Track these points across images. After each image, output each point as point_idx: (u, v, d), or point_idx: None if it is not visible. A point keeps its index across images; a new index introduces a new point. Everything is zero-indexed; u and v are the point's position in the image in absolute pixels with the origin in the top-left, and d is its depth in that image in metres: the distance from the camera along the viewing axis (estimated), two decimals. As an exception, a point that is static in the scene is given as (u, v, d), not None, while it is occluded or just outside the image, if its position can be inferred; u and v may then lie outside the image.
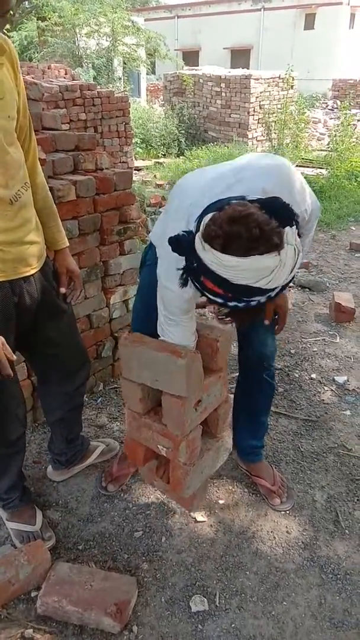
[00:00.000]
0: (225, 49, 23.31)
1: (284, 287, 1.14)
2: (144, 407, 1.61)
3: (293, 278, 1.14)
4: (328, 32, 20.73)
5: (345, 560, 1.70)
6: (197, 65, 16.97)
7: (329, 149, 7.80)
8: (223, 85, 9.99)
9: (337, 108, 14.22)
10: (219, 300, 1.13)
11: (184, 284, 1.22)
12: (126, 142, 7.45)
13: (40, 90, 2.53)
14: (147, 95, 17.46)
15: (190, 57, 22.91)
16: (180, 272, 1.21)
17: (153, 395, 1.61)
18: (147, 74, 17.81)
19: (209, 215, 1.10)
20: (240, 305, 1.12)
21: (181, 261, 1.19)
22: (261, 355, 1.79)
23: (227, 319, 1.22)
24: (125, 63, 13.16)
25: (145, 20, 18.38)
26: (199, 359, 1.47)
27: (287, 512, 1.89)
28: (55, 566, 1.57)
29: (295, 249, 1.09)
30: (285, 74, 10.00)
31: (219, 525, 1.82)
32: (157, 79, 19.08)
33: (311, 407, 2.48)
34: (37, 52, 12.48)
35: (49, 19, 12.14)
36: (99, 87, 7.21)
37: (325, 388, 2.65)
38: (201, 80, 10.55)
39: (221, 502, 1.92)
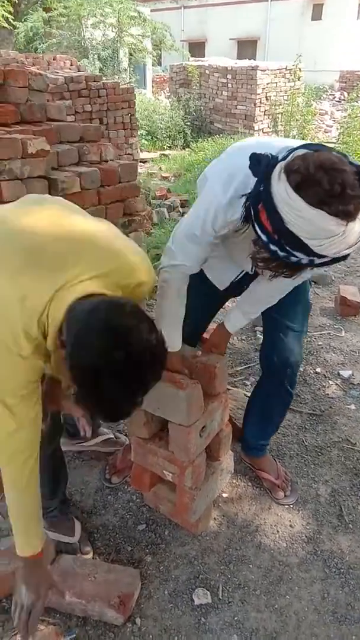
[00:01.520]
0: (231, 39, 23.08)
1: (330, 262, 1.08)
2: (149, 432, 1.65)
3: (345, 258, 1.07)
4: (336, 22, 20.47)
5: (349, 555, 1.70)
6: (204, 56, 16.84)
7: (339, 141, 7.73)
8: (229, 76, 9.91)
9: (344, 99, 14.09)
10: (263, 237, 1.08)
11: (245, 214, 1.16)
12: (131, 133, 7.40)
13: (45, 81, 2.52)
14: (152, 86, 17.34)
15: (197, 48, 22.73)
16: (242, 197, 1.16)
17: (157, 419, 1.64)
18: (153, 65, 17.68)
19: (303, 151, 1.04)
20: (280, 254, 1.07)
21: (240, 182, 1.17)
22: (286, 362, 1.71)
23: (261, 264, 1.15)
24: (131, 54, 13.06)
25: (151, 10, 18.20)
26: (199, 388, 1.51)
27: (291, 506, 1.88)
28: (59, 558, 1.57)
29: None
30: (293, 65, 9.90)
31: (223, 519, 1.82)
32: (163, 71, 18.94)
33: (316, 401, 2.47)
34: (43, 43, 12.40)
35: (55, 9, 12.06)
36: (104, 78, 7.16)
37: (330, 382, 2.64)
38: (207, 72, 10.47)
39: (225, 495, 1.92)
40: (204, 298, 1.70)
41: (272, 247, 1.07)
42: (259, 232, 1.09)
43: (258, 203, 1.07)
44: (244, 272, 1.63)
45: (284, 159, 1.05)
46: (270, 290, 1.57)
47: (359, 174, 1.00)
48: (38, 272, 1.05)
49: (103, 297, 1.03)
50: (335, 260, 1.08)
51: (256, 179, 1.09)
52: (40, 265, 1.05)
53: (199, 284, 1.60)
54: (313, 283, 3.70)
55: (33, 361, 1.09)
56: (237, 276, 1.67)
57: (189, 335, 1.60)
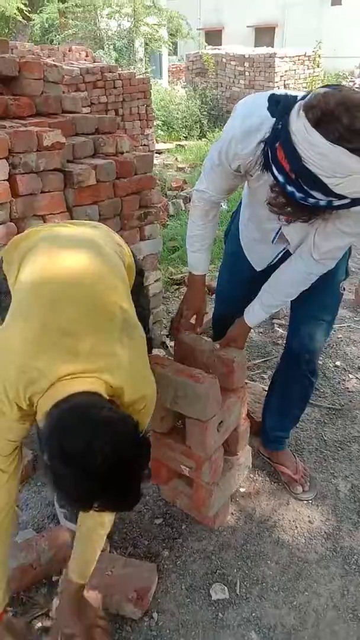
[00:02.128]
0: (249, 27, 22.73)
1: (349, 205, 1.06)
2: (166, 426, 1.64)
3: None
4: (356, 7, 20.01)
5: (369, 552, 1.67)
6: (221, 45, 16.62)
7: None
8: (247, 64, 9.77)
9: (364, 86, 13.79)
10: (280, 178, 1.06)
11: (263, 161, 1.13)
12: (147, 124, 7.36)
13: (61, 72, 2.50)
14: (169, 76, 17.21)
15: (214, 36, 22.45)
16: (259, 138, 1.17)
17: (173, 414, 1.63)
18: (169, 54, 17.54)
19: (323, 89, 1.02)
20: (297, 195, 1.05)
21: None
22: (305, 348, 1.70)
23: (278, 210, 1.14)
24: (146, 44, 12.97)
25: (167, -1, 18.04)
26: (216, 383, 1.49)
27: (310, 501, 1.86)
28: (76, 551, 1.57)
29: None
30: (313, 52, 9.71)
31: (240, 514, 1.81)
32: (179, 60, 18.77)
33: (335, 395, 2.44)
34: (58, 35, 12.39)
35: (70, 0, 12.01)
36: (120, 69, 7.12)
37: (350, 376, 2.59)
38: (224, 60, 10.33)
39: (242, 490, 1.90)
40: (240, 275, 1.75)
41: (289, 189, 1.05)
42: (276, 173, 1.06)
43: (275, 142, 1.05)
44: (282, 253, 1.60)
45: (302, 98, 1.04)
46: (291, 281, 1.53)
47: None
48: (51, 351, 1.05)
49: (77, 407, 0.99)
50: (354, 202, 1.05)
51: (272, 124, 1.09)
52: (56, 346, 1.05)
53: (237, 261, 1.67)
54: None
55: (12, 423, 1.08)
56: (275, 258, 1.64)
57: (222, 317, 1.59)
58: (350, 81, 15.47)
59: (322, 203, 1.05)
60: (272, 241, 1.55)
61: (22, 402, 1.05)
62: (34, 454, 2.03)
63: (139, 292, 1.51)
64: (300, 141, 0.98)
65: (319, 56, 9.89)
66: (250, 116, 1.24)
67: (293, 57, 9.57)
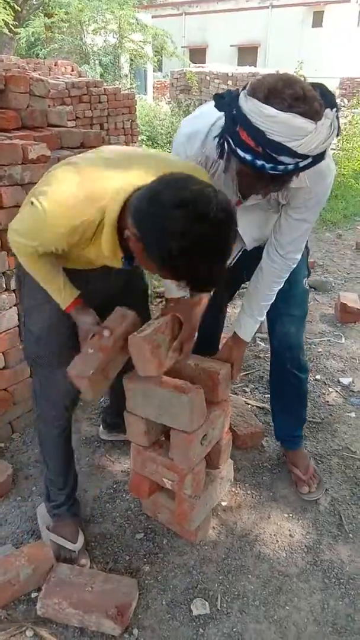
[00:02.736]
0: (232, 46, 23.21)
1: (312, 164, 1.16)
2: (149, 440, 1.64)
3: (323, 154, 1.16)
4: (336, 29, 20.61)
5: (349, 565, 1.68)
6: (204, 63, 16.89)
7: (338, 148, 7.74)
8: (230, 82, 9.96)
9: (344, 106, 14.12)
10: (247, 156, 1.15)
11: (220, 151, 1.24)
12: (132, 139, 7.41)
13: (47, 86, 2.52)
14: (153, 92, 17.41)
15: (198, 54, 22.84)
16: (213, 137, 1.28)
17: (157, 428, 1.63)
18: (153, 71, 17.77)
19: (256, 78, 1.15)
20: (267, 166, 1.14)
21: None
22: (283, 345, 1.84)
23: (249, 190, 1.25)
24: (132, 60, 13.13)
25: (153, 17, 18.32)
26: (201, 394, 1.50)
27: (290, 515, 1.87)
28: (55, 567, 1.56)
29: (331, 124, 1.10)
30: (294, 72, 9.92)
31: (222, 528, 1.81)
32: (163, 76, 19.02)
33: (315, 408, 2.46)
34: (44, 49, 12.47)
35: (56, 15, 12.13)
36: (105, 84, 7.18)
37: (330, 389, 2.62)
38: (208, 78, 10.51)
39: (224, 504, 1.90)
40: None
41: (259, 162, 1.14)
42: (242, 154, 1.16)
43: (235, 126, 1.15)
44: (239, 254, 1.69)
45: (243, 89, 1.16)
46: (267, 283, 1.63)
47: (308, 83, 1.13)
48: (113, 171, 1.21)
49: (153, 180, 1.11)
50: (316, 160, 1.15)
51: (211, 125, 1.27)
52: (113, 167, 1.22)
53: None
54: (313, 289, 3.69)
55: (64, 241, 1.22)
56: (234, 257, 1.69)
57: (200, 338, 1.62)
58: (330, 101, 15.81)
59: (290, 167, 1.15)
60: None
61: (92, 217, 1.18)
62: (14, 468, 2.01)
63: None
64: (258, 117, 1.09)
65: (303, 77, 10.11)
66: (190, 125, 1.43)
67: (275, 76, 9.77)
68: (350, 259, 4.49)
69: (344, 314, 3.29)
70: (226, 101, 1.18)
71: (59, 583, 1.50)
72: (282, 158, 1.12)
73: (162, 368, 1.42)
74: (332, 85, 17.47)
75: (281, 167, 1.14)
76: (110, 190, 1.17)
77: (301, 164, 1.15)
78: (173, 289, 1.76)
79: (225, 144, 1.20)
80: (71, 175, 1.21)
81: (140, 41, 12.61)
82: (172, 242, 1.01)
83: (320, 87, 1.15)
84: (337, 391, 2.61)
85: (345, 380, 2.68)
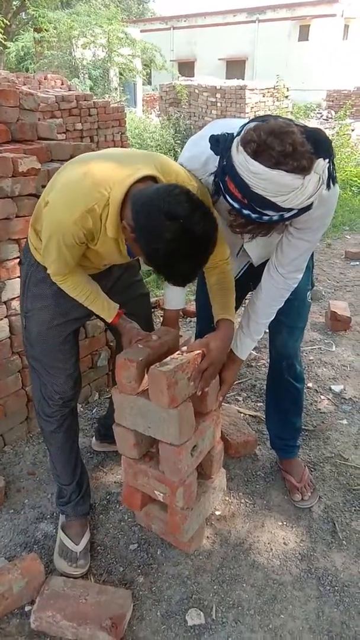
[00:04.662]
0: (220, 59, 23.51)
1: (298, 214, 1.19)
2: (139, 453, 1.64)
3: (309, 207, 1.19)
4: (322, 43, 20.96)
5: (343, 572, 1.69)
6: (193, 76, 17.10)
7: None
8: (218, 95, 10.07)
9: (331, 118, 14.34)
10: (235, 205, 1.19)
11: (215, 189, 1.30)
12: (122, 151, 7.46)
13: (36, 100, 2.54)
14: (143, 105, 17.56)
15: (186, 67, 23.11)
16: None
17: (146, 440, 1.64)
18: (143, 84, 17.94)
19: (253, 123, 1.17)
20: (253, 216, 1.18)
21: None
22: (281, 355, 1.87)
23: (239, 229, 1.28)
24: (121, 74, 13.26)
25: (141, 31, 18.53)
26: (190, 406, 1.50)
27: (284, 523, 1.87)
28: (49, 580, 1.54)
29: (320, 179, 1.13)
30: (277, 85, 10.09)
31: (216, 537, 1.80)
32: (153, 90, 19.20)
33: (308, 416, 2.47)
34: (34, 63, 12.58)
35: (46, 30, 12.24)
36: (95, 97, 7.24)
37: (322, 397, 2.64)
38: (197, 91, 10.62)
39: (217, 513, 1.90)
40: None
41: (245, 212, 1.19)
42: (230, 201, 1.21)
43: (225, 175, 1.19)
44: (246, 267, 1.75)
45: (238, 134, 1.18)
46: (267, 301, 1.62)
47: (305, 132, 1.13)
48: (116, 164, 1.30)
49: (158, 185, 1.24)
50: (301, 211, 1.19)
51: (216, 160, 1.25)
52: (117, 162, 1.31)
53: (204, 283, 1.69)
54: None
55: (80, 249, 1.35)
56: (240, 271, 1.76)
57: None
58: (317, 113, 16.10)
59: (275, 218, 1.18)
60: (237, 255, 1.69)
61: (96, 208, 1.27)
62: (6, 481, 1.99)
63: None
64: (244, 172, 1.12)
65: (287, 89, 10.26)
66: (197, 146, 1.47)
67: (262, 89, 9.92)
68: (340, 268, 4.53)
69: (335, 322, 3.32)
70: (221, 147, 1.21)
71: (52, 595, 1.49)
72: (267, 211, 1.16)
73: (175, 403, 1.43)
74: (319, 97, 17.83)
75: (266, 217, 1.18)
76: (115, 177, 1.26)
77: (286, 216, 1.18)
78: (171, 300, 1.80)
79: (220, 184, 1.23)
80: (77, 167, 1.32)
81: (129, 55, 12.75)
82: (160, 245, 1.15)
83: (316, 135, 1.15)
84: (328, 399, 2.62)
85: (337, 388, 2.69)
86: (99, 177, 1.26)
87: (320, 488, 2.03)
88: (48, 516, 1.88)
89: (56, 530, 1.80)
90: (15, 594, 1.51)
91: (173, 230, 1.13)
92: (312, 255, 1.74)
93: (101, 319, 1.60)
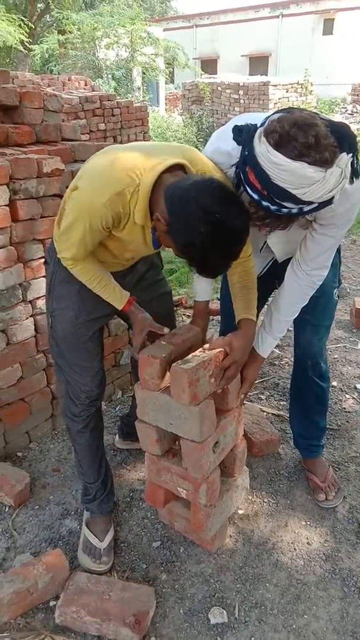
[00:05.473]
0: (243, 56, 23.36)
1: (318, 208, 1.17)
2: (161, 449, 1.64)
3: (330, 202, 1.17)
4: (347, 36, 20.62)
5: (368, 573, 1.66)
6: (216, 74, 17.03)
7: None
8: (241, 92, 10.01)
9: (356, 112, 14.10)
10: (255, 196, 1.18)
11: (237, 182, 1.29)
12: (145, 151, 7.50)
13: (60, 102, 2.57)
14: (166, 104, 17.59)
15: (209, 65, 23.03)
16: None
17: (169, 436, 1.64)
18: (165, 83, 17.96)
19: (277, 115, 1.16)
20: (272, 208, 1.17)
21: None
22: (306, 353, 1.85)
23: (258, 222, 1.28)
24: (144, 73, 13.30)
25: (164, 30, 18.55)
26: (211, 404, 1.50)
27: (308, 523, 1.85)
28: (73, 576, 1.57)
29: (342, 173, 1.10)
30: (304, 80, 9.97)
31: (239, 536, 1.80)
32: (175, 88, 19.21)
33: (332, 415, 2.44)
34: (58, 65, 12.72)
35: (69, 32, 12.36)
36: (118, 97, 7.29)
37: (347, 396, 2.60)
38: (219, 88, 10.59)
39: (240, 512, 1.89)
40: None
41: (264, 204, 1.18)
42: (250, 192, 1.20)
43: (245, 166, 1.18)
44: (270, 263, 1.74)
45: (262, 125, 1.17)
46: (291, 299, 1.60)
47: (330, 126, 1.11)
48: (143, 154, 1.31)
49: (193, 177, 1.26)
50: (322, 205, 1.17)
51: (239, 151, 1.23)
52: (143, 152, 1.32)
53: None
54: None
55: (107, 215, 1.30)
56: (264, 268, 1.75)
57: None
58: (342, 107, 15.84)
59: (294, 211, 1.17)
60: (260, 251, 1.67)
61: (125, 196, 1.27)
62: (31, 477, 2.03)
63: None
64: (266, 162, 1.11)
65: (311, 84, 10.14)
66: (222, 139, 1.46)
67: (286, 85, 9.83)
68: (365, 265, 4.46)
69: (360, 320, 3.27)
70: (244, 137, 1.20)
71: (76, 591, 1.51)
72: (286, 203, 1.14)
73: (196, 400, 1.43)
74: (344, 92, 17.54)
75: (285, 210, 1.17)
76: (145, 164, 1.27)
77: (305, 209, 1.17)
78: (200, 292, 1.79)
79: (241, 175, 1.23)
80: (104, 156, 1.34)
81: (152, 54, 12.78)
82: (197, 238, 1.16)
83: (341, 129, 1.13)
84: (353, 397, 2.59)
85: (362, 387, 2.66)
86: (129, 163, 1.27)
87: (345, 488, 2.00)
88: (72, 512, 1.91)
89: (80, 526, 1.83)
90: (41, 589, 1.53)
91: (210, 223, 1.15)
92: (339, 251, 1.72)
93: (117, 312, 1.61)
